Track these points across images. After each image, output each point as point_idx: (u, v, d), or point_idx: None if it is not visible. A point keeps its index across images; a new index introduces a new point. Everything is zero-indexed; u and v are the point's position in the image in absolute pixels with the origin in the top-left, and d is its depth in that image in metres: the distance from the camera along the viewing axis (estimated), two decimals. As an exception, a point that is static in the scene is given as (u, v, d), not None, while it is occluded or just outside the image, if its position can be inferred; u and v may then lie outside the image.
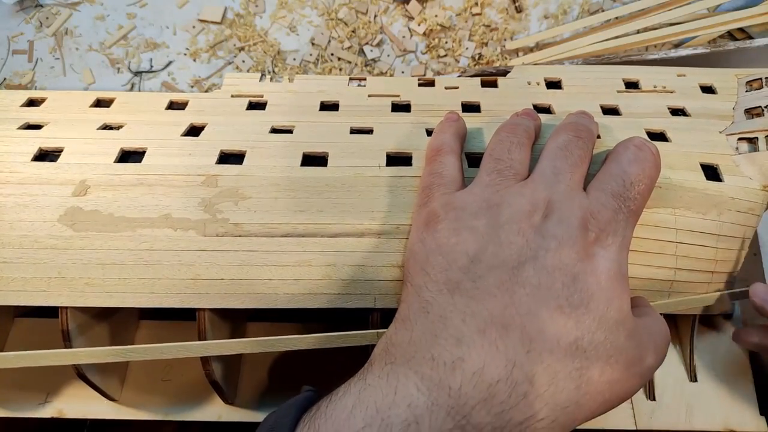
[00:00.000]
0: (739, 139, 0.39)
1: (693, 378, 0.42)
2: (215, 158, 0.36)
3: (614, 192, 0.29)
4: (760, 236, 0.43)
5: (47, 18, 0.55)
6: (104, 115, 0.41)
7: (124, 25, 0.55)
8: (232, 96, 0.44)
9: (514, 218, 0.28)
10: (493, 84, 0.45)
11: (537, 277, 0.26)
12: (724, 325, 0.43)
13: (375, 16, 0.55)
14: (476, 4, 0.56)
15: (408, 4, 0.55)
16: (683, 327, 0.42)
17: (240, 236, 0.33)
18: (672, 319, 0.43)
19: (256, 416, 0.40)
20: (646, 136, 0.39)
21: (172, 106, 0.43)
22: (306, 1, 0.56)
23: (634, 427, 0.40)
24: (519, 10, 0.56)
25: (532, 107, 0.42)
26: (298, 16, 0.56)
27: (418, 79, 0.46)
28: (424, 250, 0.29)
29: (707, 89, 0.44)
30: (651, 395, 0.41)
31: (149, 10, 0.56)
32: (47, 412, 0.40)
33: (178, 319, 0.43)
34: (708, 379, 0.42)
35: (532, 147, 0.34)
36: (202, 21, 0.55)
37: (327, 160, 0.36)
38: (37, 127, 0.39)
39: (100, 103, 0.43)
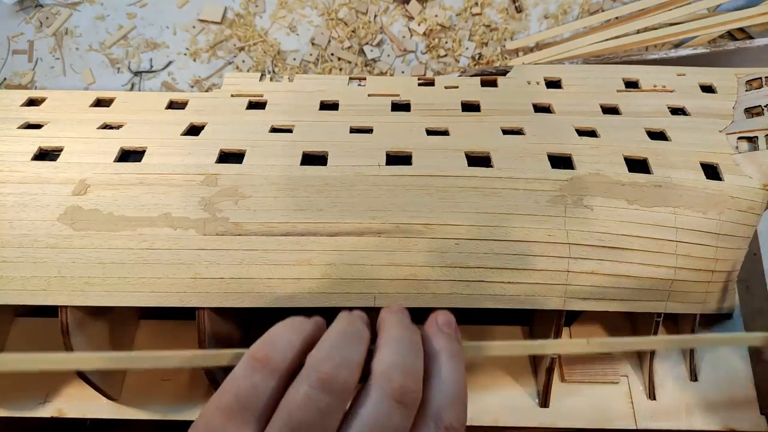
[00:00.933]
0: (739, 138, 0.39)
1: (693, 378, 0.41)
2: (215, 157, 0.36)
3: None
4: (761, 235, 0.43)
5: (47, 18, 0.55)
6: (104, 114, 0.41)
7: (124, 25, 0.55)
8: (232, 96, 0.44)
9: None
10: (493, 83, 0.45)
11: None
12: (725, 325, 0.43)
13: (375, 16, 0.55)
14: (476, 4, 0.56)
15: (408, 4, 0.55)
16: (684, 327, 0.42)
17: (240, 235, 0.33)
18: (673, 319, 0.43)
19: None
20: (645, 135, 0.39)
21: (172, 105, 0.43)
22: (306, 1, 0.56)
23: (634, 427, 0.40)
24: (519, 10, 0.56)
25: (531, 106, 0.42)
26: (298, 16, 0.56)
27: (418, 79, 0.46)
28: None
29: (707, 88, 0.44)
30: (651, 395, 0.41)
31: (149, 10, 0.56)
32: (47, 411, 0.40)
33: (178, 318, 0.43)
34: (708, 379, 0.42)
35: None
36: (202, 21, 0.55)
37: (327, 159, 0.36)
38: (37, 126, 0.39)
39: (100, 103, 0.43)
